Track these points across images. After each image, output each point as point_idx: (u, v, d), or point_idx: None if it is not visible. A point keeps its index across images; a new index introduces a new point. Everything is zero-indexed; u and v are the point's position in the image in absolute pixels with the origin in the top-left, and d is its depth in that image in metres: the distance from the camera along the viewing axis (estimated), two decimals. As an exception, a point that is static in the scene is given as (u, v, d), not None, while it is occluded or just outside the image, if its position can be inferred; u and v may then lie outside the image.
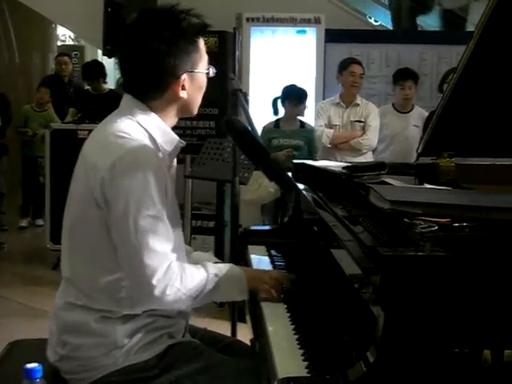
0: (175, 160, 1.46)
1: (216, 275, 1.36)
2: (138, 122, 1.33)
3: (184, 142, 1.42)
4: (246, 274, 1.43)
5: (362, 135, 3.80)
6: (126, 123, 1.32)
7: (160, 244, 1.28)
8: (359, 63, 3.89)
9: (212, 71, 1.39)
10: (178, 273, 1.31)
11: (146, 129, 1.33)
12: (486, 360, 0.98)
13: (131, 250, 1.27)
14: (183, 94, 1.34)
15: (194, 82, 1.35)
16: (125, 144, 1.28)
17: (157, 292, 1.27)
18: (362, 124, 3.84)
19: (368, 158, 3.80)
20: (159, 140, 1.35)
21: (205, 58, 1.37)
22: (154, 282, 1.27)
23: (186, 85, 1.33)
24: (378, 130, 3.86)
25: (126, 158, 1.26)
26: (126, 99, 1.37)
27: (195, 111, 1.42)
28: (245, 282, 1.40)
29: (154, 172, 1.27)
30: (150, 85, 1.34)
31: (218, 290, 1.36)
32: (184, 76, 1.33)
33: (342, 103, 3.88)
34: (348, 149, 3.80)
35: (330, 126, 3.87)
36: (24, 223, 5.42)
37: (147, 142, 1.32)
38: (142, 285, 1.28)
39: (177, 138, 1.39)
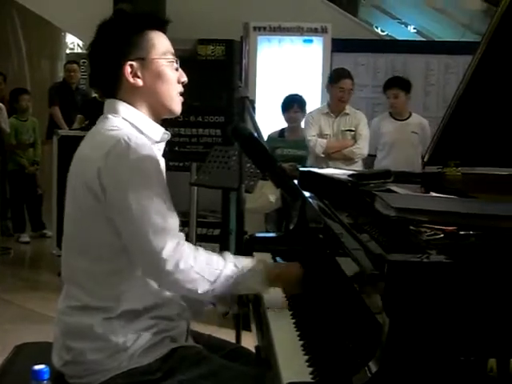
0: (163, 160, 1.46)
1: (235, 264, 1.34)
2: (124, 118, 1.38)
3: (169, 133, 1.45)
4: (268, 269, 1.39)
5: (353, 144, 3.84)
6: (114, 120, 1.38)
7: (165, 221, 1.28)
8: (350, 77, 3.86)
9: (176, 63, 1.41)
10: (191, 251, 1.30)
11: (131, 123, 1.38)
12: (491, 369, 0.98)
13: (137, 231, 1.28)
14: (138, 82, 1.38)
15: (149, 69, 1.38)
16: (116, 134, 1.33)
17: (169, 266, 1.26)
18: (352, 133, 3.88)
19: (359, 166, 3.83)
20: (146, 131, 1.39)
21: (160, 48, 1.39)
22: (165, 256, 1.26)
23: (139, 72, 1.38)
24: (369, 139, 3.90)
25: (118, 145, 1.30)
26: (108, 102, 1.42)
27: (172, 106, 1.41)
28: (265, 275, 1.37)
29: (149, 155, 1.31)
30: (105, 79, 1.41)
31: (237, 278, 1.33)
32: (130, 63, 1.37)
33: (330, 113, 3.91)
34: (340, 158, 3.84)
35: (321, 135, 3.89)
36: (25, 238, 5.22)
37: (136, 133, 1.36)
38: (153, 264, 1.28)
39: (162, 128, 1.43)
